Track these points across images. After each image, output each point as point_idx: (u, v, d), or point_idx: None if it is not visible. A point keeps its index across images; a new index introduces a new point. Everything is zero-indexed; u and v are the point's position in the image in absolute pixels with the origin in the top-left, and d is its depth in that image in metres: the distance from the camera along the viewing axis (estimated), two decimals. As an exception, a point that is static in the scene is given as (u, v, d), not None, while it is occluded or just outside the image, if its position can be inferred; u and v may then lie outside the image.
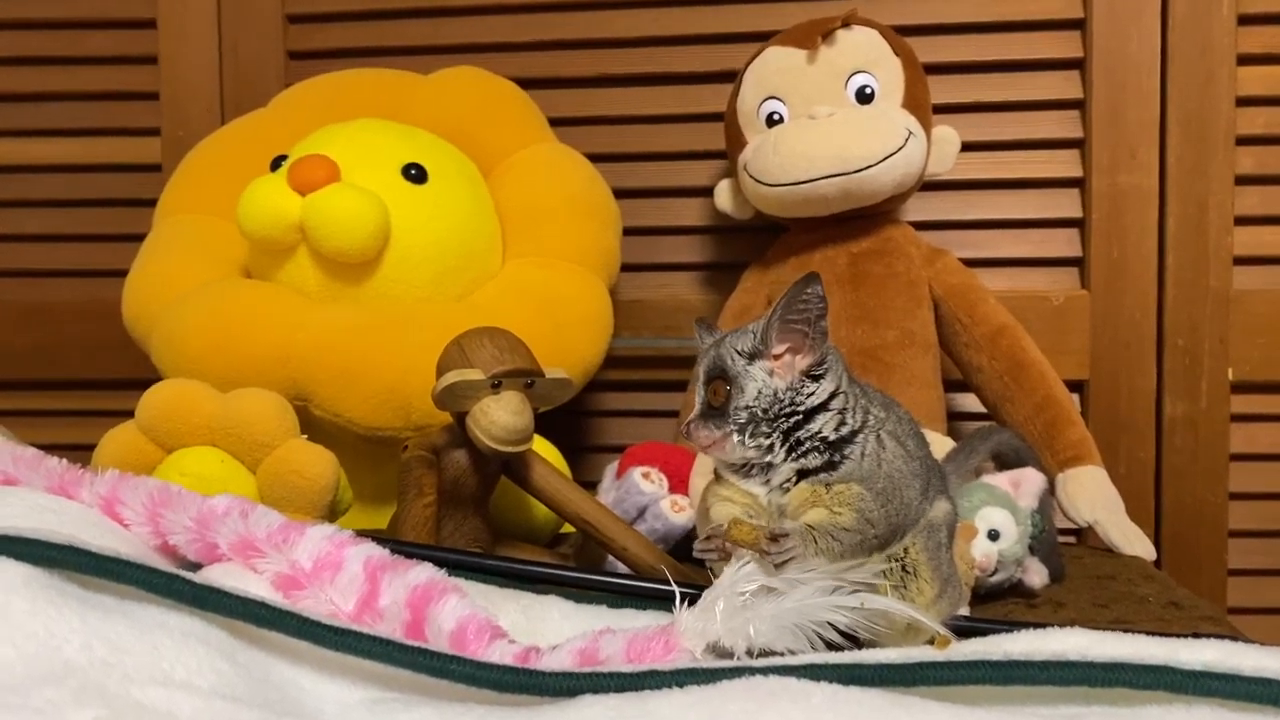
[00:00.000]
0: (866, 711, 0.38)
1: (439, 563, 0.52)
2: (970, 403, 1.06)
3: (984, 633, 0.48)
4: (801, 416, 0.53)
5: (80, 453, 0.61)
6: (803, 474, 0.53)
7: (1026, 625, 0.48)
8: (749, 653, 0.45)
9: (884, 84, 0.97)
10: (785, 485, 0.53)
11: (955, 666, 0.42)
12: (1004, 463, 0.80)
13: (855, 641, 0.47)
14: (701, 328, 0.59)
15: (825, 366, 0.54)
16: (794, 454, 0.53)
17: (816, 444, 0.53)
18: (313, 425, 0.84)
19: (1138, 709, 0.41)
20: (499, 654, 0.46)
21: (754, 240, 1.12)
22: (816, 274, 0.52)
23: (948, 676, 0.42)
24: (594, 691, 0.41)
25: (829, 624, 0.46)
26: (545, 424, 0.74)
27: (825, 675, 0.41)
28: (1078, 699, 0.42)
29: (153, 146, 1.23)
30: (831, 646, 0.46)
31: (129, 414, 0.80)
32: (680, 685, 0.40)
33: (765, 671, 0.41)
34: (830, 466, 0.52)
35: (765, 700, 0.38)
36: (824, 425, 0.53)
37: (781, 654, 0.45)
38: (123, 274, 0.99)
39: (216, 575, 0.50)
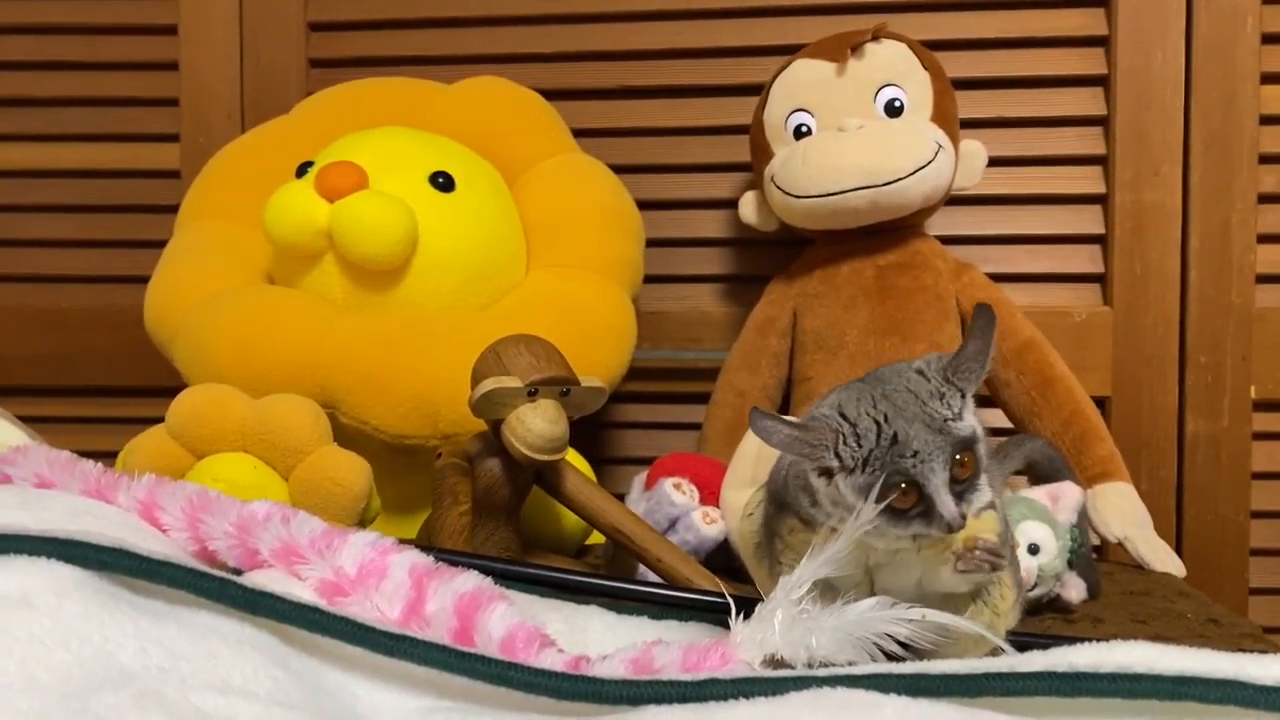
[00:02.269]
0: (940, 724, 0.37)
1: (483, 571, 0.51)
2: (995, 418, 1.06)
3: (1044, 645, 0.47)
4: None
5: (96, 459, 0.60)
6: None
7: (1087, 640, 0.48)
8: (809, 665, 0.44)
9: (913, 97, 0.97)
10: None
11: (1021, 678, 0.41)
12: (1037, 472, 0.80)
13: (914, 653, 0.47)
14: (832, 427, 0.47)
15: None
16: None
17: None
18: (337, 432, 0.84)
19: (1206, 724, 0.41)
20: (550, 662, 0.45)
21: (777, 253, 1.12)
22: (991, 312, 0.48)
23: (1014, 687, 0.41)
24: (656, 701, 0.40)
25: (889, 636, 0.45)
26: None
27: (891, 686, 0.40)
28: (1144, 712, 0.42)
29: (172, 152, 1.22)
30: (891, 659, 0.45)
31: (145, 420, 0.79)
32: (746, 696, 0.40)
33: (831, 682, 0.40)
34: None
35: (836, 712, 0.37)
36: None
37: (841, 666, 0.44)
38: (141, 280, 0.99)
39: (260, 581, 0.49)
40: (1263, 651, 0.48)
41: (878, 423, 0.46)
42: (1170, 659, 0.43)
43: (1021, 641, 0.51)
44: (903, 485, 0.46)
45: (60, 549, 0.41)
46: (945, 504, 0.46)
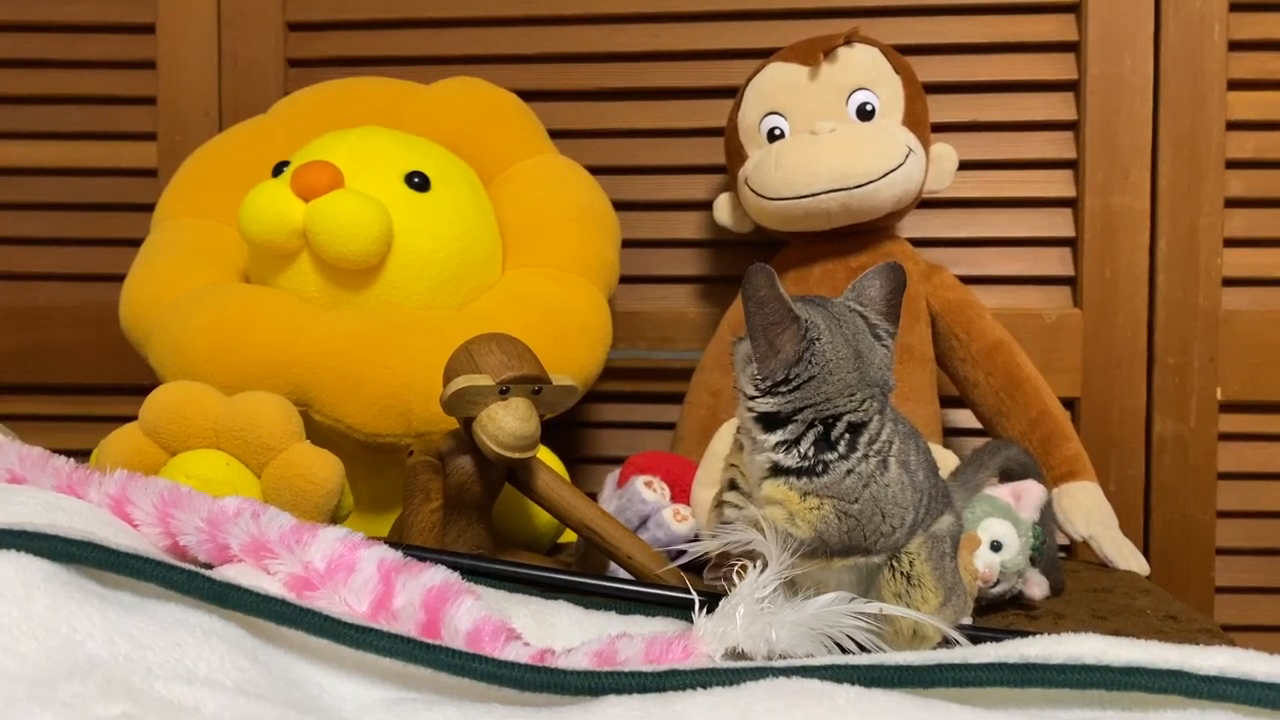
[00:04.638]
0: (890, 712, 0.38)
1: (451, 567, 0.52)
2: (964, 418, 1.07)
3: (998, 639, 0.48)
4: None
5: (71, 457, 0.60)
6: (781, 470, 0.53)
7: (1039, 634, 0.49)
8: (769, 657, 0.45)
9: (884, 101, 0.98)
10: (762, 472, 0.54)
11: (974, 668, 0.42)
12: (1011, 478, 0.81)
13: (862, 648, 0.48)
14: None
15: (788, 385, 0.53)
16: (777, 446, 0.53)
17: (795, 449, 0.53)
18: (311, 430, 0.84)
19: (1153, 713, 0.42)
20: (515, 655, 0.46)
21: (752, 254, 1.13)
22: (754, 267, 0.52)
23: (966, 678, 0.42)
24: (617, 692, 0.41)
25: (846, 635, 0.46)
26: (540, 435, 0.74)
27: (846, 676, 0.41)
28: (1094, 702, 0.43)
29: (149, 151, 1.22)
30: (847, 653, 0.47)
31: (121, 419, 0.79)
32: (704, 686, 0.41)
33: (787, 673, 0.41)
34: (810, 473, 0.52)
35: (791, 700, 0.38)
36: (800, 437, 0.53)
37: (801, 658, 0.45)
38: (117, 279, 0.99)
39: (230, 576, 0.50)
40: (1209, 645, 0.49)
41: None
42: (1119, 650, 0.44)
43: (976, 634, 0.52)
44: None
45: (29, 542, 0.42)
46: None
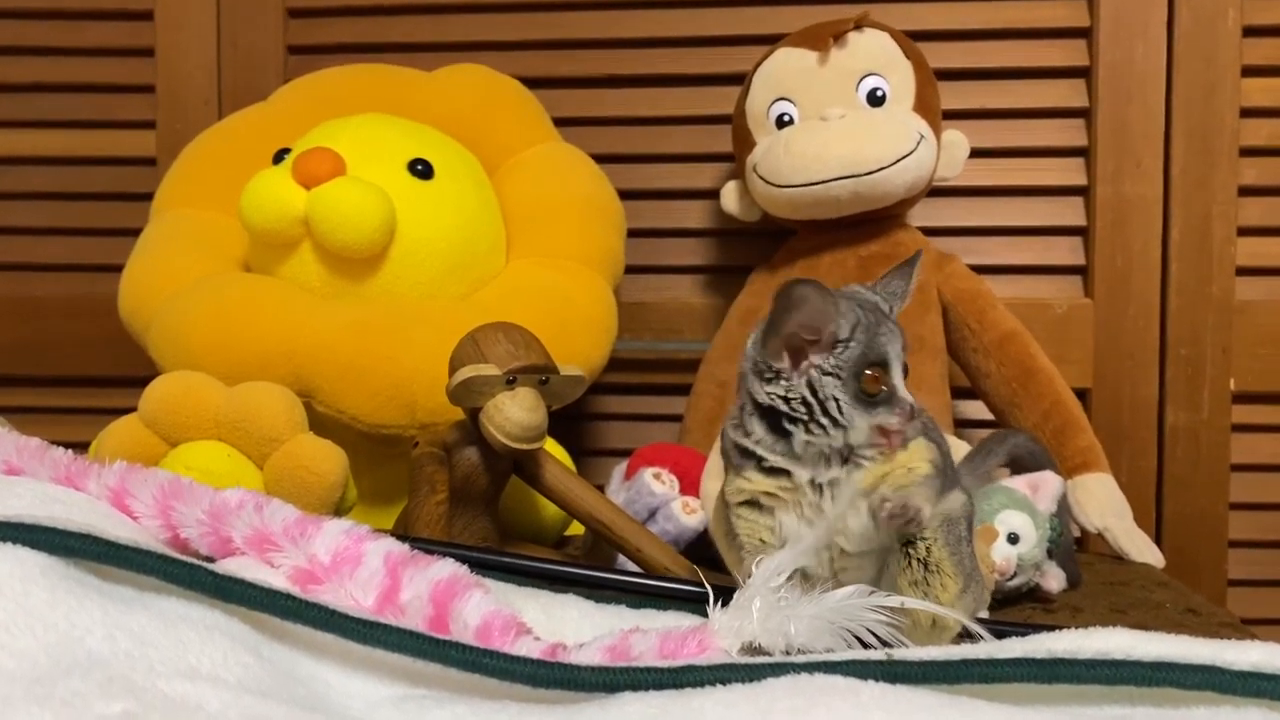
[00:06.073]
0: (916, 709, 0.37)
1: (459, 559, 0.51)
2: (976, 410, 1.06)
3: (1023, 634, 0.47)
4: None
5: (70, 449, 0.59)
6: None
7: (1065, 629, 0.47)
8: (787, 652, 0.44)
9: (895, 87, 0.97)
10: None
11: (1001, 664, 0.41)
12: (1020, 466, 0.80)
13: (883, 642, 0.46)
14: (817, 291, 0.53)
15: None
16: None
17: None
18: (313, 421, 0.83)
19: (1184, 710, 0.40)
20: (525, 650, 0.44)
21: (759, 243, 1.12)
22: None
23: (993, 674, 0.41)
24: (633, 688, 0.40)
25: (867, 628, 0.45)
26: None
27: (869, 673, 0.40)
28: (1123, 699, 0.42)
29: (148, 140, 1.21)
30: (867, 647, 0.45)
31: (119, 411, 0.78)
32: (723, 682, 0.39)
33: (809, 668, 0.40)
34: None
35: (814, 696, 0.37)
36: None
37: (819, 653, 0.44)
38: (115, 269, 0.97)
39: (232, 569, 0.49)
40: (1239, 640, 0.48)
41: (860, 306, 0.54)
42: (1148, 645, 0.43)
43: (1000, 630, 0.50)
44: (872, 364, 0.53)
45: (27, 535, 0.41)
46: (902, 389, 0.53)
